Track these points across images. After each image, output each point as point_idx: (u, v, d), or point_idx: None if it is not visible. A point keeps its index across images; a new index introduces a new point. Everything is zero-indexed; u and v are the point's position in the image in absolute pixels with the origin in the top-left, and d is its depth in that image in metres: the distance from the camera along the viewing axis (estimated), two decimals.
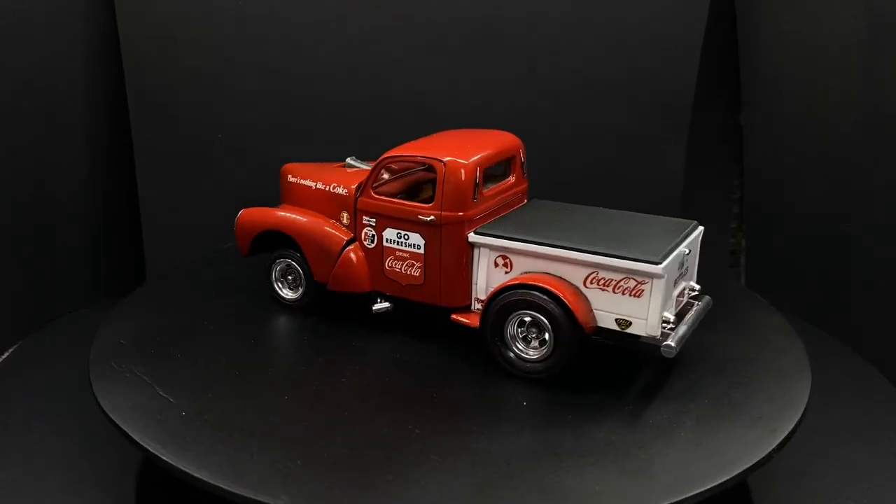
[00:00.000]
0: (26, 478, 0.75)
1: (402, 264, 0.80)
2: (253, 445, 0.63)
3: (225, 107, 1.13)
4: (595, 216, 0.80)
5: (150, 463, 0.62)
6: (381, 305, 0.82)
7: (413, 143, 0.81)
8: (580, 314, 0.71)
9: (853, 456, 0.79)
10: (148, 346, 0.78)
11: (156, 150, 1.13)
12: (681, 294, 0.75)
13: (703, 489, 0.58)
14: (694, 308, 0.77)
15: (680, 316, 0.74)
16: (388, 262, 0.81)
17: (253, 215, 0.89)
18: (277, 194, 0.92)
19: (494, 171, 0.84)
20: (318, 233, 0.84)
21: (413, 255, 0.79)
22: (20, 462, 0.77)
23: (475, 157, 0.77)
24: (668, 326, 0.71)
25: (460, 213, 0.76)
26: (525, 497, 0.58)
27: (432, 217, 0.77)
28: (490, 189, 0.80)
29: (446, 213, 0.76)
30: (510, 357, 0.74)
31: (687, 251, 0.74)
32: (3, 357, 0.99)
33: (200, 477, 0.59)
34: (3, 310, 1.10)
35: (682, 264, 0.74)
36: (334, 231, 0.84)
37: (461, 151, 0.78)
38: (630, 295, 0.70)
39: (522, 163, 0.84)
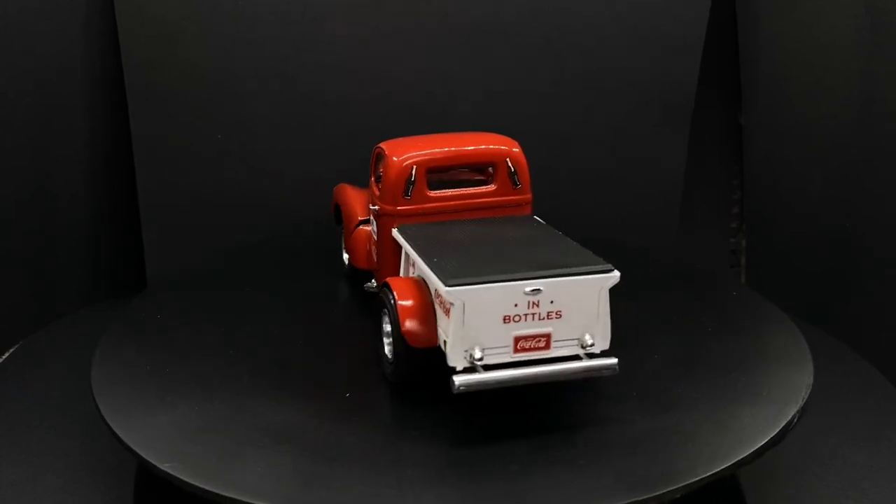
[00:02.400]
0: (26, 478, 0.75)
1: (373, 248, 0.84)
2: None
3: (225, 106, 1.13)
4: (522, 241, 0.72)
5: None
6: (370, 284, 0.86)
7: (402, 138, 0.83)
8: (404, 321, 0.66)
9: (853, 456, 0.79)
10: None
11: (156, 151, 1.13)
12: (538, 339, 0.64)
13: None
14: (567, 365, 0.64)
15: (523, 363, 0.64)
16: (370, 244, 0.85)
17: (337, 189, 0.96)
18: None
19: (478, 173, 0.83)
20: (347, 209, 0.91)
21: (374, 241, 0.83)
22: (20, 462, 0.77)
23: (415, 155, 0.77)
24: (480, 364, 0.62)
25: (389, 207, 0.78)
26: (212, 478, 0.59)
27: (377, 207, 0.79)
28: (448, 191, 0.78)
29: (382, 204, 0.78)
30: (380, 354, 0.72)
31: (533, 289, 0.63)
32: (3, 357, 0.99)
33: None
34: (3, 310, 1.10)
35: (528, 303, 0.63)
36: (356, 210, 0.89)
37: (410, 148, 0.78)
38: (448, 317, 0.64)
39: (513, 172, 0.79)
